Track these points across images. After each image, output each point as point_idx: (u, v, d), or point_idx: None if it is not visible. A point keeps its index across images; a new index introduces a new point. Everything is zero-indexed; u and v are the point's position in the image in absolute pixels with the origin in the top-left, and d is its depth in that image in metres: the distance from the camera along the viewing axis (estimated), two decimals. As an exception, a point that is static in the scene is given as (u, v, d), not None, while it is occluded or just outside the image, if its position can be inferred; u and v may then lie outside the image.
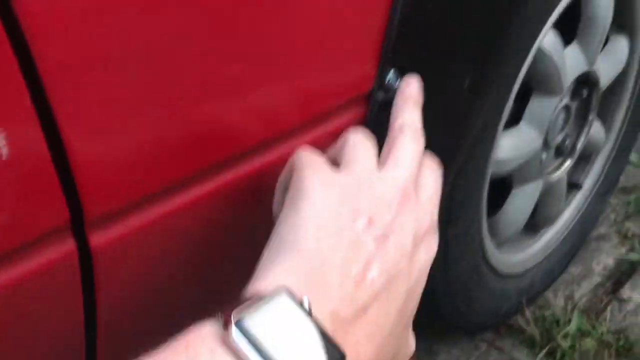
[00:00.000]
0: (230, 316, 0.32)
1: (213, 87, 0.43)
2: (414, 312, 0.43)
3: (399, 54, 0.50)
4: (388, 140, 0.46)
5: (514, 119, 0.88)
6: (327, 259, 0.38)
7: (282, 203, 0.44)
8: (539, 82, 0.85)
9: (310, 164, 0.43)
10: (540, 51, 0.80)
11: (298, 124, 0.49)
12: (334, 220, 0.40)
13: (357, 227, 0.40)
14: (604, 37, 0.92)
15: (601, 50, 0.95)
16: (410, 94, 0.48)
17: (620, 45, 1.00)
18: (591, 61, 0.92)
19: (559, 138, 0.97)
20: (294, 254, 0.38)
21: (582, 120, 1.01)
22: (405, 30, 0.50)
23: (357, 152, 0.44)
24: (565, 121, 0.97)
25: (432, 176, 0.46)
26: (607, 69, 0.98)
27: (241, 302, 0.34)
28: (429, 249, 0.44)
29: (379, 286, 0.39)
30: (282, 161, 0.47)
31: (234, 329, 0.32)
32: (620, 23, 0.98)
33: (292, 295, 0.35)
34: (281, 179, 0.46)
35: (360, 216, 0.40)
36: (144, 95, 0.39)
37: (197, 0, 0.39)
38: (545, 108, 0.88)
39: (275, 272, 0.37)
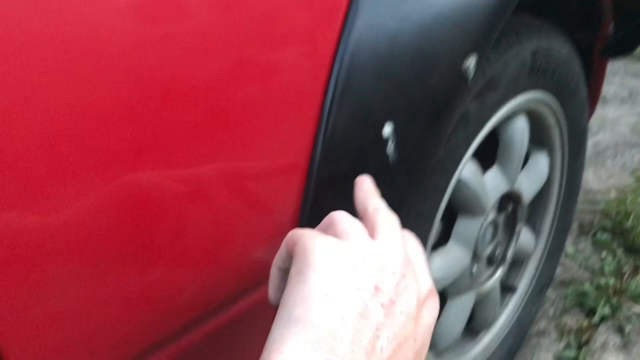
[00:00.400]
0: None
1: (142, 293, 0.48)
2: None
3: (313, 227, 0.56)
4: (366, 222, 0.47)
5: (443, 237, 0.95)
6: (337, 331, 0.38)
7: (278, 284, 0.45)
8: (462, 206, 0.92)
9: (312, 235, 0.43)
10: (460, 181, 0.87)
11: (227, 300, 0.54)
12: (341, 291, 0.40)
13: (364, 296, 0.40)
14: (522, 159, 1.01)
15: (522, 167, 1.04)
16: (368, 188, 0.51)
17: (541, 161, 1.09)
18: (512, 181, 1.00)
19: (489, 249, 1.04)
20: (304, 327, 0.38)
21: (510, 231, 1.08)
22: (318, 208, 0.57)
23: (349, 226, 0.45)
24: (494, 234, 1.04)
25: (415, 244, 0.48)
26: (529, 185, 1.06)
27: None
28: (432, 309, 0.45)
29: (388, 354, 0.40)
30: (221, 333, 0.51)
31: None
32: (539, 140, 1.07)
33: None
34: (276, 260, 0.46)
35: (366, 284, 0.41)
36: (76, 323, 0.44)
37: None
38: (472, 227, 0.95)
39: (288, 348, 0.38)
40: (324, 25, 0.52)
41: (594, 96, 1.21)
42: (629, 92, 2.32)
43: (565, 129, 1.09)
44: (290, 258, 0.44)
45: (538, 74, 0.91)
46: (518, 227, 1.08)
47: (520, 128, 0.97)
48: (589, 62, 1.16)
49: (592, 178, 1.83)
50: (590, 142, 2.01)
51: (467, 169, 0.88)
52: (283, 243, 0.45)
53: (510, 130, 0.96)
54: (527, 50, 0.87)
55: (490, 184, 0.95)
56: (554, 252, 1.23)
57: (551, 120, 1.05)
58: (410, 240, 0.48)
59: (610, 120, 2.15)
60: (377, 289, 0.41)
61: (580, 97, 1.08)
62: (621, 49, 1.14)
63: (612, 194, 1.73)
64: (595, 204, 1.69)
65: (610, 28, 1.11)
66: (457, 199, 0.89)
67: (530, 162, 1.07)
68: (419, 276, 0.44)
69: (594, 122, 2.04)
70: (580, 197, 1.64)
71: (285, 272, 0.45)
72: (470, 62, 0.56)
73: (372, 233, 0.45)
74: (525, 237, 1.12)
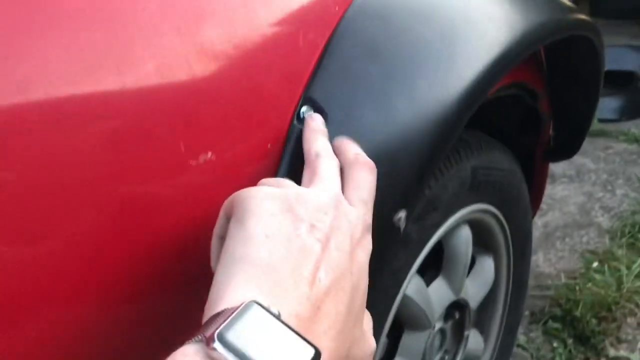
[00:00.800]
0: (212, 334, 0.35)
1: None
2: (362, 307, 0.47)
3: None
4: (307, 168, 0.51)
5: (389, 355, 0.93)
6: (280, 267, 0.41)
7: (219, 252, 0.45)
8: (408, 321, 0.92)
9: (247, 189, 0.46)
10: (404, 297, 0.87)
11: None
12: (279, 231, 0.43)
13: (301, 233, 0.43)
14: (467, 267, 1.01)
15: (468, 273, 1.04)
16: (317, 127, 0.53)
17: (487, 266, 1.09)
18: (458, 290, 1.00)
19: (438, 357, 1.03)
20: (248, 266, 0.41)
21: (458, 337, 1.08)
22: None
23: (280, 180, 0.49)
24: (442, 342, 1.04)
25: (364, 179, 0.50)
26: (475, 292, 1.06)
27: (213, 320, 0.37)
28: (366, 248, 0.48)
29: (328, 285, 0.42)
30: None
31: (218, 345, 0.35)
32: (483, 245, 1.08)
33: (260, 304, 0.37)
34: (216, 230, 0.48)
35: (302, 223, 0.44)
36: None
37: None
38: (418, 341, 0.94)
39: (235, 285, 0.40)
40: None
41: (537, 196, 1.24)
42: (577, 171, 2.38)
43: (509, 233, 1.10)
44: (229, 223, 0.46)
45: (479, 189, 0.92)
46: (466, 332, 1.07)
47: (464, 237, 0.98)
48: (531, 163, 1.19)
49: (542, 261, 1.85)
50: (540, 223, 2.04)
51: (411, 285, 0.87)
52: (221, 211, 0.47)
53: (453, 241, 0.96)
54: (467, 167, 0.88)
55: (435, 296, 0.95)
56: (504, 350, 1.23)
57: (494, 227, 1.06)
58: (362, 172, 0.50)
59: (559, 200, 2.19)
60: (312, 227, 0.44)
61: (523, 203, 1.10)
62: (562, 154, 1.17)
63: (562, 278, 1.75)
64: (546, 289, 1.71)
65: (550, 133, 1.14)
66: (402, 315, 0.88)
67: (476, 267, 1.08)
68: (354, 215, 0.47)
69: (543, 201, 2.07)
70: (531, 282, 1.65)
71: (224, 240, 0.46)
72: (401, 215, 0.57)
73: (309, 180, 0.49)
74: (474, 340, 1.12)
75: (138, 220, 0.45)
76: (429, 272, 0.96)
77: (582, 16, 0.88)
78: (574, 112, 1.12)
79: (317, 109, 0.55)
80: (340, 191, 0.49)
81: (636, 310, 1.58)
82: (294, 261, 0.42)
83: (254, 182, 0.51)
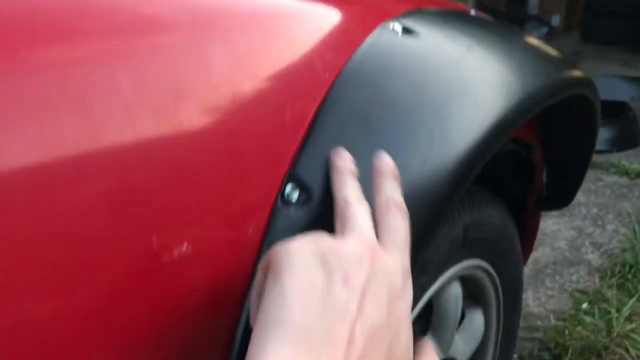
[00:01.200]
0: None
1: None
2: (406, 356, 0.45)
3: None
4: (337, 217, 0.49)
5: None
6: (313, 327, 0.40)
7: (257, 311, 0.45)
8: (394, 383, 0.88)
9: (283, 243, 0.45)
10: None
11: None
12: (313, 286, 0.42)
13: (335, 287, 0.42)
14: (457, 323, 0.98)
15: (457, 328, 1.01)
16: (343, 168, 0.52)
17: (476, 320, 1.06)
18: (447, 348, 0.97)
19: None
20: (283, 328, 0.40)
21: (446, 390, 1.04)
22: None
23: (310, 234, 0.47)
24: (429, 397, 1.00)
25: (398, 225, 0.49)
26: (465, 347, 1.03)
27: None
28: (406, 299, 0.47)
29: (364, 342, 0.41)
30: None
31: None
32: (473, 298, 1.05)
33: None
34: (255, 288, 0.47)
35: (336, 274, 0.43)
36: None
37: None
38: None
39: (270, 350, 0.39)
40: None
41: (528, 244, 1.21)
42: (567, 204, 2.36)
43: (500, 285, 1.07)
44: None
45: (471, 246, 0.89)
46: (454, 387, 1.04)
47: (453, 294, 0.95)
48: (522, 209, 1.16)
49: (531, 300, 1.82)
50: (530, 259, 2.01)
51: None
52: (259, 268, 0.47)
53: (442, 298, 0.93)
54: (459, 225, 0.85)
55: (423, 356, 0.91)
56: (492, 400, 1.20)
57: (485, 280, 1.03)
58: (394, 217, 0.49)
59: (549, 235, 2.17)
60: (346, 278, 0.43)
61: (514, 255, 1.07)
62: (555, 203, 1.14)
63: (552, 319, 1.72)
64: (535, 330, 1.68)
65: (543, 182, 1.12)
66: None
67: (466, 322, 1.04)
68: (389, 265, 0.46)
69: (533, 237, 2.05)
70: (521, 322, 1.62)
71: None
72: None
73: (341, 228, 0.48)
74: (463, 391, 1.08)
75: (105, 320, 0.42)
76: (416, 326, 0.93)
77: (579, 73, 0.86)
78: (567, 162, 1.10)
79: (303, 187, 0.52)
80: (375, 238, 0.47)
81: (626, 355, 1.55)
82: (328, 320, 0.41)
83: (234, 272, 0.48)
